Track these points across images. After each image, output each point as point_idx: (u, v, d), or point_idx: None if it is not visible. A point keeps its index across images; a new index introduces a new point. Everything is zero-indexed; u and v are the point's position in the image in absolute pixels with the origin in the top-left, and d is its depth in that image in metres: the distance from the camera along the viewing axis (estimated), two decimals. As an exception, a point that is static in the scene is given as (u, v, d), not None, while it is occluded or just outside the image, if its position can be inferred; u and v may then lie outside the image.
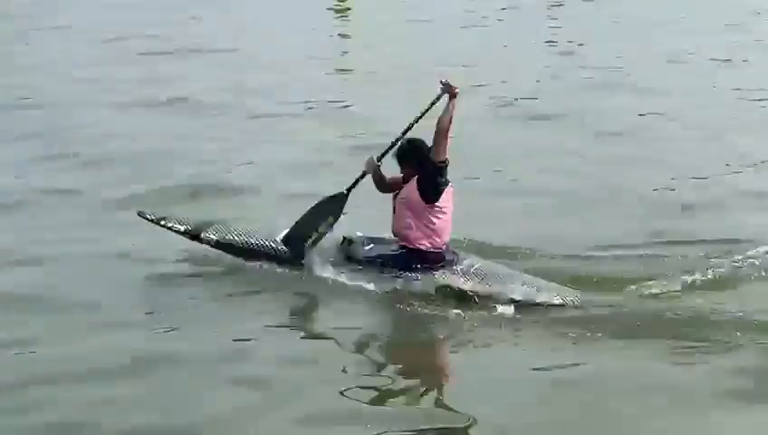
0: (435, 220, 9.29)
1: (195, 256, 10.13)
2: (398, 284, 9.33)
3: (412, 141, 9.38)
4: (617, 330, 8.73)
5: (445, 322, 8.99)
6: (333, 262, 9.60)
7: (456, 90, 9.12)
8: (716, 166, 13.19)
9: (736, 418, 7.59)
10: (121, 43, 21.36)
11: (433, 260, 9.36)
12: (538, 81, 18.02)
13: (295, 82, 17.93)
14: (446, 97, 9.18)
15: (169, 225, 10.05)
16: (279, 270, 9.74)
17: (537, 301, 9.13)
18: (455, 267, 9.38)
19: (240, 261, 9.94)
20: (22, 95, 16.99)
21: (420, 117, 9.38)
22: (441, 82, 9.20)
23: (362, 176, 9.61)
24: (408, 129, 9.43)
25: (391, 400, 7.93)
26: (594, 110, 15.93)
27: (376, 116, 15.32)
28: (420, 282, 9.29)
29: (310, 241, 9.66)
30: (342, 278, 9.47)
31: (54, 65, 19.30)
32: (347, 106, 16.73)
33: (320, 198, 9.74)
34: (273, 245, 9.79)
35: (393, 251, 9.44)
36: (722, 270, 9.63)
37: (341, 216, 9.66)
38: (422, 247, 9.32)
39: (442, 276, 9.30)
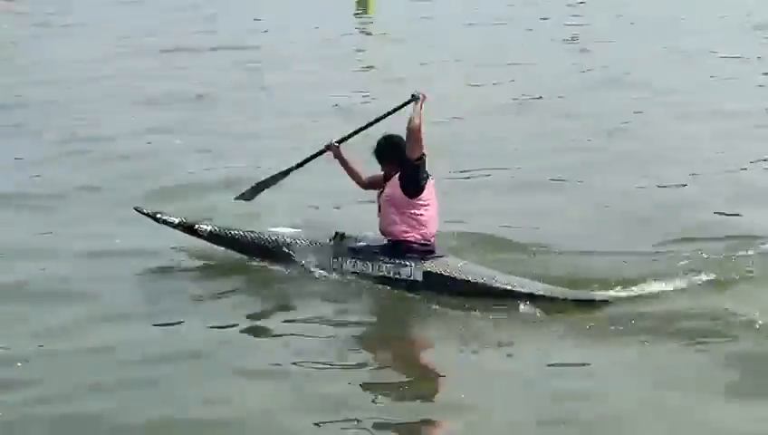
0: (419, 213, 9.40)
1: (210, 252, 10.23)
2: (387, 271, 9.45)
3: (389, 139, 9.52)
4: (620, 327, 8.72)
5: (438, 315, 9.07)
6: (325, 255, 9.73)
7: (425, 97, 9.42)
8: (731, 163, 13.17)
9: (737, 412, 7.55)
10: (136, 40, 21.54)
11: (421, 252, 9.44)
12: (553, 78, 18.08)
13: (315, 80, 18.07)
14: (414, 102, 9.49)
15: (164, 218, 10.25)
16: (276, 267, 9.86)
17: (532, 293, 9.17)
18: (444, 259, 9.49)
19: (237, 255, 10.10)
20: (37, 92, 17.11)
21: (386, 115, 9.74)
22: (412, 94, 9.51)
23: (321, 152, 9.91)
24: (372, 123, 9.77)
25: (387, 392, 7.93)
26: (607, 106, 16.00)
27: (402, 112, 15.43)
28: (408, 269, 9.39)
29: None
30: (334, 271, 9.65)
31: (70, 63, 19.44)
32: (366, 103, 16.75)
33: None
34: (266, 236, 9.98)
35: (382, 243, 9.56)
36: (730, 266, 9.63)
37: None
38: (410, 240, 9.43)
39: (431, 265, 9.40)
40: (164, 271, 10.00)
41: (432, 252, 9.48)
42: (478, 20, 23.74)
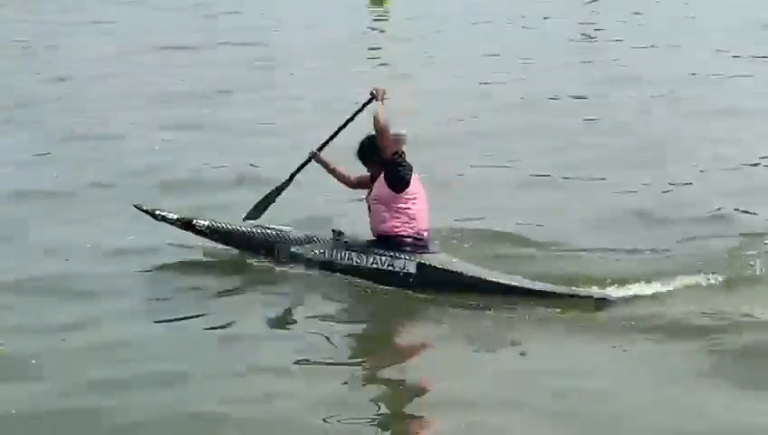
0: (408, 207, 9.45)
1: (215, 250, 10.29)
2: (381, 264, 9.49)
3: (371, 139, 9.60)
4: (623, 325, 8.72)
5: (437, 312, 9.09)
6: (321, 248, 9.78)
7: (381, 94, 9.60)
8: (741, 160, 13.17)
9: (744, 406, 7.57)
10: (147, 38, 21.57)
11: (415, 247, 9.49)
12: (564, 75, 18.16)
13: (326, 76, 18.13)
14: (375, 101, 9.65)
15: (163, 214, 10.29)
16: (273, 262, 9.91)
17: (528, 288, 9.19)
18: (438, 255, 9.54)
19: (236, 251, 10.13)
20: (50, 89, 17.17)
21: (353, 117, 9.93)
22: (371, 92, 9.65)
23: (307, 161, 10.07)
24: (342, 126, 9.97)
25: (387, 389, 7.96)
26: (615, 104, 16.05)
27: (413, 108, 15.43)
28: (402, 261, 9.43)
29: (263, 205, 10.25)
30: (330, 264, 9.69)
31: (83, 60, 19.51)
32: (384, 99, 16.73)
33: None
34: (263, 230, 10.02)
35: (377, 239, 9.61)
36: (737, 264, 9.64)
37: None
38: (402, 234, 9.48)
39: (425, 258, 9.44)
40: (167, 267, 10.03)
41: (425, 247, 9.53)
42: (491, 17, 23.77)
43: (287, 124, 15.03)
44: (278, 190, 10.23)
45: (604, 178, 12.55)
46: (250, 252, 10.06)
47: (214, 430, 7.27)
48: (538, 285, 9.21)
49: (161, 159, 13.46)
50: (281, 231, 9.99)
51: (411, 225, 9.47)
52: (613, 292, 9.15)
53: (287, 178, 10.20)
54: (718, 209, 11.31)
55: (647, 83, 17.28)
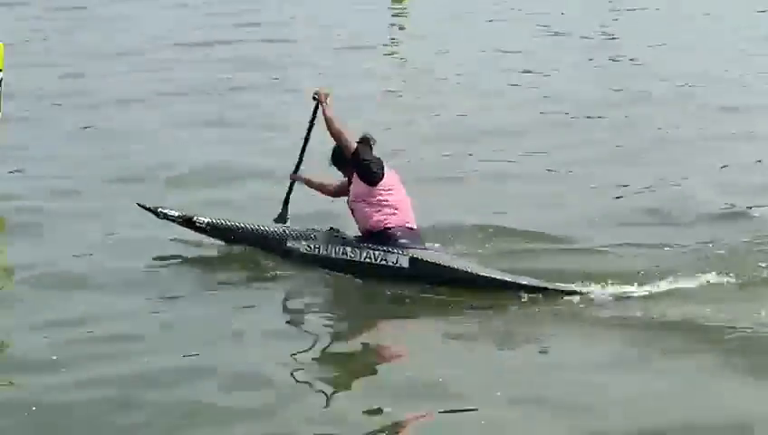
0: (386, 199, 9.53)
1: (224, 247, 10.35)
2: (375, 258, 9.53)
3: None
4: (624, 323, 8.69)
5: (434, 307, 9.12)
6: (318, 243, 9.86)
7: (321, 99, 9.78)
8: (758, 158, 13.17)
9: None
10: (167, 33, 21.63)
11: (406, 237, 9.54)
12: (580, 73, 18.22)
13: (344, 71, 18.10)
14: (319, 104, 9.86)
15: (165, 212, 10.38)
16: (271, 256, 10.00)
17: (519, 283, 9.19)
18: (431, 251, 9.61)
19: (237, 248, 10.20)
20: (81, 87, 17.17)
21: (310, 128, 10.08)
22: (313, 96, 9.86)
23: (292, 183, 10.24)
24: (306, 141, 10.14)
25: (384, 384, 7.95)
26: (626, 101, 16.07)
27: (430, 105, 15.77)
28: (395, 256, 9.47)
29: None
30: (325, 258, 9.76)
31: (104, 54, 19.53)
32: (400, 96, 16.96)
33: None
34: (261, 226, 10.13)
35: (368, 235, 9.67)
36: (742, 262, 9.62)
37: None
38: (390, 226, 9.54)
39: (418, 253, 9.49)
40: (169, 262, 10.09)
41: (417, 237, 9.60)
42: (510, 15, 23.79)
43: (298, 120, 15.05)
44: (287, 197, 10.30)
45: (616, 175, 12.53)
46: (249, 247, 10.12)
47: (217, 422, 7.26)
48: (533, 281, 9.18)
49: (174, 154, 13.47)
50: (278, 227, 10.10)
51: (396, 216, 9.54)
52: (611, 291, 9.09)
53: (282, 204, 10.26)
54: (730, 206, 11.31)
55: (663, 80, 17.26)
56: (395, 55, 20.44)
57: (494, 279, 9.22)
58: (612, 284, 9.12)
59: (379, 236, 9.53)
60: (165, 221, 10.37)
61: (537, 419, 7.30)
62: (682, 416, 7.30)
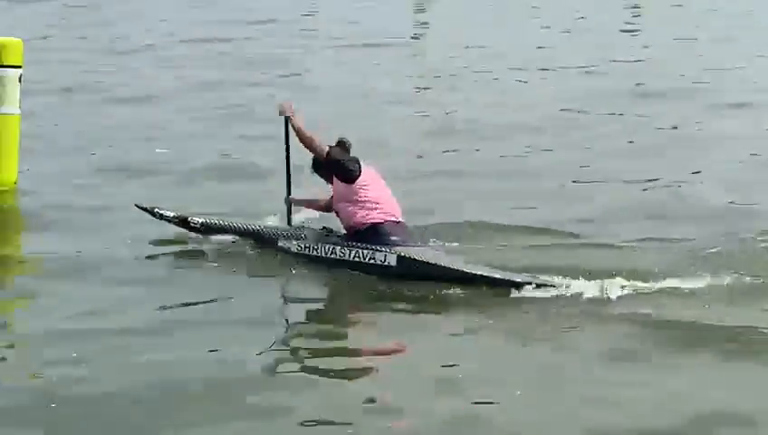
0: (366, 194, 9.63)
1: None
2: (363, 257, 9.58)
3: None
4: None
5: (414, 301, 9.12)
6: (310, 241, 9.93)
7: (287, 112, 9.93)
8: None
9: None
10: (177, 29, 21.75)
11: (390, 232, 9.58)
12: (600, 71, 18.20)
13: (363, 70, 18.24)
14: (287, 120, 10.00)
15: (161, 213, 10.47)
16: (265, 252, 10.07)
17: (510, 280, 9.16)
18: (419, 248, 9.66)
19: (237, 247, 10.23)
20: (78, 79, 17.38)
21: (287, 143, 10.11)
22: (279, 113, 10.00)
23: (288, 207, 10.28)
24: (287, 156, 10.15)
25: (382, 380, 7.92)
26: (638, 98, 16.11)
27: (448, 102, 15.83)
28: (383, 254, 9.52)
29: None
30: (317, 255, 9.82)
31: (118, 51, 19.76)
32: (419, 91, 17.10)
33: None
34: (255, 225, 10.23)
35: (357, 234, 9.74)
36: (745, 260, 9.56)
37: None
38: (377, 221, 9.63)
39: (405, 250, 9.52)
40: (173, 258, 10.15)
41: (403, 229, 9.67)
42: (529, 12, 23.86)
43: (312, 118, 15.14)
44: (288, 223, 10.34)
45: (625, 171, 12.55)
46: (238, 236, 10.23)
47: (217, 421, 7.20)
48: (524, 278, 9.14)
49: (190, 149, 13.54)
50: (270, 226, 10.21)
51: (378, 210, 9.62)
52: (615, 290, 9.03)
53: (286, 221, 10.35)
54: (734, 204, 11.34)
55: (683, 78, 17.28)
56: (415, 53, 20.52)
57: (483, 276, 9.22)
58: (625, 280, 9.04)
59: (366, 234, 9.61)
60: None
61: (548, 413, 7.23)
62: (697, 413, 7.18)
